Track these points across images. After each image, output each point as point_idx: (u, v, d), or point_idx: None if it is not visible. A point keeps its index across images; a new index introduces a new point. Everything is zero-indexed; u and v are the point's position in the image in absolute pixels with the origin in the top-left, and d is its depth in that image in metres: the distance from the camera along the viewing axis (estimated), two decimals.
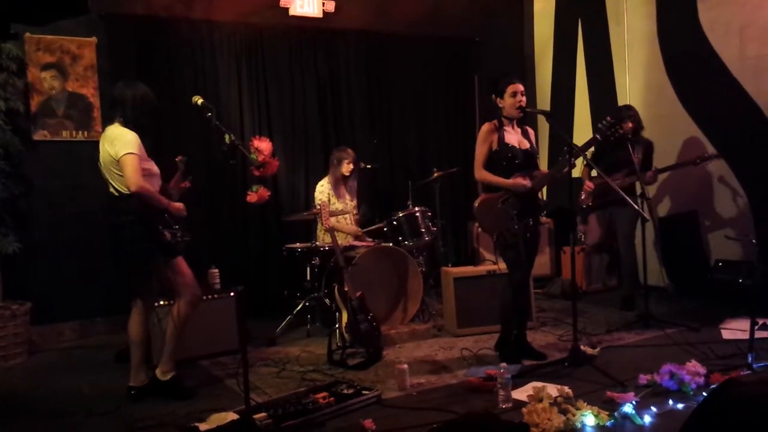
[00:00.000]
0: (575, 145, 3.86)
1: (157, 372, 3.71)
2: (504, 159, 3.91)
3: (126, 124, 3.55)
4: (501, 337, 4.13)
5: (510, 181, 3.87)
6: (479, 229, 6.28)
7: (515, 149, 3.93)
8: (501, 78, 3.99)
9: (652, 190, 5.46)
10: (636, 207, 4.16)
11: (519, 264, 3.96)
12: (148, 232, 3.48)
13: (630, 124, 5.11)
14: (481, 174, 3.99)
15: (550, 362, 3.93)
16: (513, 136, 3.98)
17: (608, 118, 3.84)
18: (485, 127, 4.01)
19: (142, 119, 3.59)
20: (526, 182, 3.86)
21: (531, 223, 3.96)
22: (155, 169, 3.65)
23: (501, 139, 3.93)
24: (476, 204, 4.03)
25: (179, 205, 3.69)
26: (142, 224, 3.49)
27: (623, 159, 4.94)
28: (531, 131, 4.14)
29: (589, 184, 5.34)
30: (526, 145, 4.02)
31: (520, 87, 3.94)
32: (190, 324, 4.09)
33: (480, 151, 3.98)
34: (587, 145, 3.86)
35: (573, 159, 3.81)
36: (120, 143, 3.47)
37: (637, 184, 5.04)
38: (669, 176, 5.69)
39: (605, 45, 6.50)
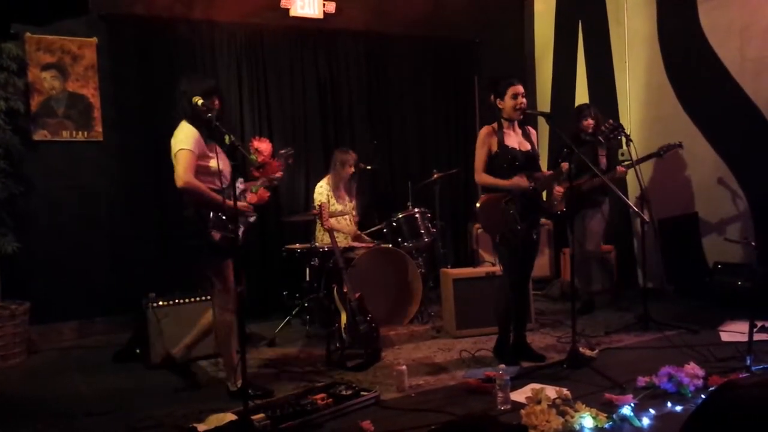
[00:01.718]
0: (575, 147, 3.86)
1: (229, 386, 3.64)
2: (504, 161, 3.89)
3: (189, 121, 3.48)
4: (498, 340, 4.12)
5: (509, 181, 3.86)
6: (479, 230, 6.30)
7: (515, 151, 3.92)
8: (501, 79, 3.97)
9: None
10: (633, 207, 4.14)
11: (515, 266, 3.96)
12: (198, 230, 3.42)
13: (590, 122, 5.10)
14: (481, 177, 3.97)
15: (548, 364, 3.93)
16: (513, 138, 3.97)
17: (610, 121, 3.84)
18: (484, 130, 3.99)
19: (194, 115, 3.45)
20: (525, 182, 3.84)
21: (533, 224, 3.95)
22: (215, 166, 3.49)
23: (501, 142, 3.91)
24: (478, 204, 4.01)
25: (240, 204, 3.50)
26: (194, 221, 3.44)
27: (588, 159, 4.91)
28: (533, 131, 4.12)
29: (558, 189, 5.09)
30: (527, 146, 4.00)
31: (521, 89, 3.92)
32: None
33: (479, 155, 3.96)
34: (590, 147, 3.85)
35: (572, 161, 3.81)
36: (176, 139, 3.45)
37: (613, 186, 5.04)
38: (668, 178, 5.70)
39: (606, 46, 6.50)
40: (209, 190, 3.45)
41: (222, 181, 3.47)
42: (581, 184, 5.04)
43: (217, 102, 3.56)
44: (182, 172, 3.38)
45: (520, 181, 3.84)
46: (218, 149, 3.57)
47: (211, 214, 3.43)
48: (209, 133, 3.50)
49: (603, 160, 5.14)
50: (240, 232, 3.54)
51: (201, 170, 3.46)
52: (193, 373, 3.98)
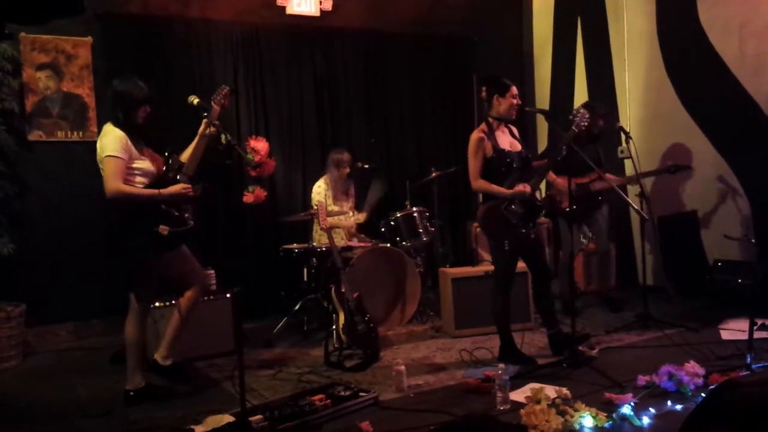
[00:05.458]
0: (573, 145, 3.84)
1: (157, 356, 3.69)
2: (502, 165, 3.84)
3: (116, 123, 3.48)
4: (503, 345, 4.06)
5: (510, 190, 3.80)
6: (477, 230, 6.26)
7: (511, 153, 3.90)
8: (502, 78, 3.98)
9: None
10: (632, 205, 4.12)
11: (511, 268, 3.98)
12: (136, 231, 3.41)
13: (596, 122, 5.09)
14: (479, 184, 3.88)
15: (548, 363, 3.90)
16: (504, 140, 3.96)
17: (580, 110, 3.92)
18: (475, 136, 3.89)
19: (126, 117, 3.47)
20: (527, 189, 3.78)
21: (534, 224, 3.93)
22: (149, 167, 3.53)
23: (495, 146, 3.87)
24: (480, 214, 3.98)
25: (175, 188, 3.48)
26: (128, 223, 3.43)
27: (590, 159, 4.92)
28: (515, 129, 4.12)
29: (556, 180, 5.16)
30: (518, 146, 4.00)
31: (516, 90, 3.96)
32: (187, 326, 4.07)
33: (475, 163, 3.87)
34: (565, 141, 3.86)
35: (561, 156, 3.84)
36: (104, 144, 3.42)
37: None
38: (668, 176, 5.66)
39: (605, 43, 6.47)
40: (141, 189, 3.45)
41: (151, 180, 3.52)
42: (589, 183, 5.00)
43: (148, 109, 3.56)
44: (110, 181, 3.37)
45: (522, 189, 3.77)
46: (147, 149, 3.59)
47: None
48: (139, 134, 3.51)
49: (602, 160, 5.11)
50: (188, 215, 3.55)
51: (138, 173, 3.47)
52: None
